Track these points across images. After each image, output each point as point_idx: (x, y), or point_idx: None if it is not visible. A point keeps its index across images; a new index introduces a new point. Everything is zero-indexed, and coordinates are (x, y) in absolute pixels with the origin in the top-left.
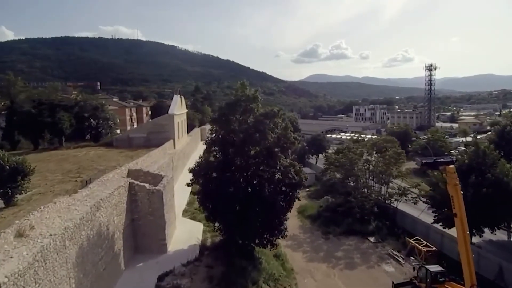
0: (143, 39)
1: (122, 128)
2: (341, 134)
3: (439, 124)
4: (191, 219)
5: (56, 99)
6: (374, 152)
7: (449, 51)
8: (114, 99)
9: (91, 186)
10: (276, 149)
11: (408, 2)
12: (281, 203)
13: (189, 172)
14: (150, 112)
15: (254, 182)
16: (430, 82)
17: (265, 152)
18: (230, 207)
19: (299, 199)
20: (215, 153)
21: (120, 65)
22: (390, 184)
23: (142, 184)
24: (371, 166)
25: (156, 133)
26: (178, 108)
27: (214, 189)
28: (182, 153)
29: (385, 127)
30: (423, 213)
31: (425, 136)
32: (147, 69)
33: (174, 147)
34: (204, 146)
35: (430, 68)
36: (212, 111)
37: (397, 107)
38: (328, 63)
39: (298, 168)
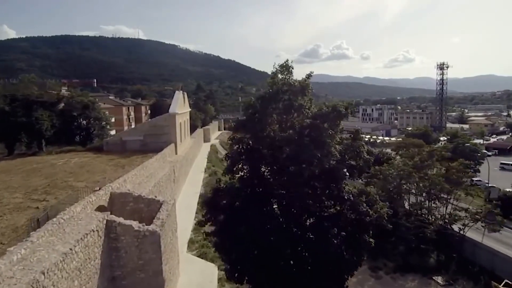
0: (144, 38)
1: (119, 129)
2: None
3: (448, 125)
4: (199, 255)
5: (33, 94)
6: (433, 163)
7: (450, 52)
8: (110, 97)
9: (34, 237)
10: (341, 171)
11: (408, 3)
12: (348, 254)
13: (203, 206)
14: (149, 112)
15: (306, 220)
16: (442, 81)
17: (324, 175)
18: (267, 264)
19: (372, 245)
20: (241, 173)
21: (121, 64)
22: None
23: (127, 223)
24: (426, 182)
25: (154, 135)
26: (180, 106)
27: (241, 234)
28: (185, 159)
29: (395, 128)
30: (485, 238)
31: (443, 138)
32: (147, 68)
33: (176, 153)
34: (208, 149)
35: (442, 67)
36: (215, 111)
37: (399, 107)
38: (329, 63)
39: (373, 198)
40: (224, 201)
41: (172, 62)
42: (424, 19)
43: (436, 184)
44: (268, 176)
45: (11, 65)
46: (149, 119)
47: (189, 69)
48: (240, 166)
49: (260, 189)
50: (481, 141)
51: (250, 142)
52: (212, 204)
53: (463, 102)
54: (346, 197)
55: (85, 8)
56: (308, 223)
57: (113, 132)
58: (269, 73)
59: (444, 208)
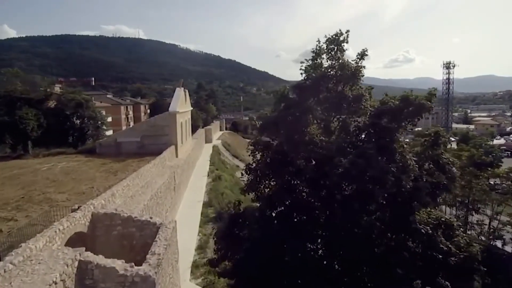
0: (145, 38)
1: (116, 129)
2: None
3: (453, 125)
4: (205, 285)
5: (17, 91)
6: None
7: (450, 52)
8: (108, 96)
9: None
10: (423, 193)
11: (408, 3)
12: None
13: (214, 242)
14: (149, 111)
15: (361, 263)
16: (448, 81)
17: (393, 200)
18: None
19: None
20: (267, 190)
21: (121, 64)
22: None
23: (108, 264)
24: (469, 191)
25: (153, 136)
26: (182, 104)
27: (270, 280)
28: (187, 163)
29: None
30: None
31: (452, 139)
32: (148, 68)
33: (177, 156)
34: (211, 150)
35: (448, 66)
36: (217, 110)
37: None
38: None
39: (456, 228)
40: (245, 232)
41: (172, 62)
42: (424, 19)
43: (481, 194)
44: (310, 199)
45: (11, 64)
46: (148, 118)
47: (189, 68)
48: (268, 182)
49: (297, 216)
50: (490, 142)
51: (282, 149)
52: (228, 236)
53: (465, 103)
54: (423, 231)
55: (85, 7)
56: (363, 266)
57: (109, 133)
58: (270, 73)
59: (488, 222)
